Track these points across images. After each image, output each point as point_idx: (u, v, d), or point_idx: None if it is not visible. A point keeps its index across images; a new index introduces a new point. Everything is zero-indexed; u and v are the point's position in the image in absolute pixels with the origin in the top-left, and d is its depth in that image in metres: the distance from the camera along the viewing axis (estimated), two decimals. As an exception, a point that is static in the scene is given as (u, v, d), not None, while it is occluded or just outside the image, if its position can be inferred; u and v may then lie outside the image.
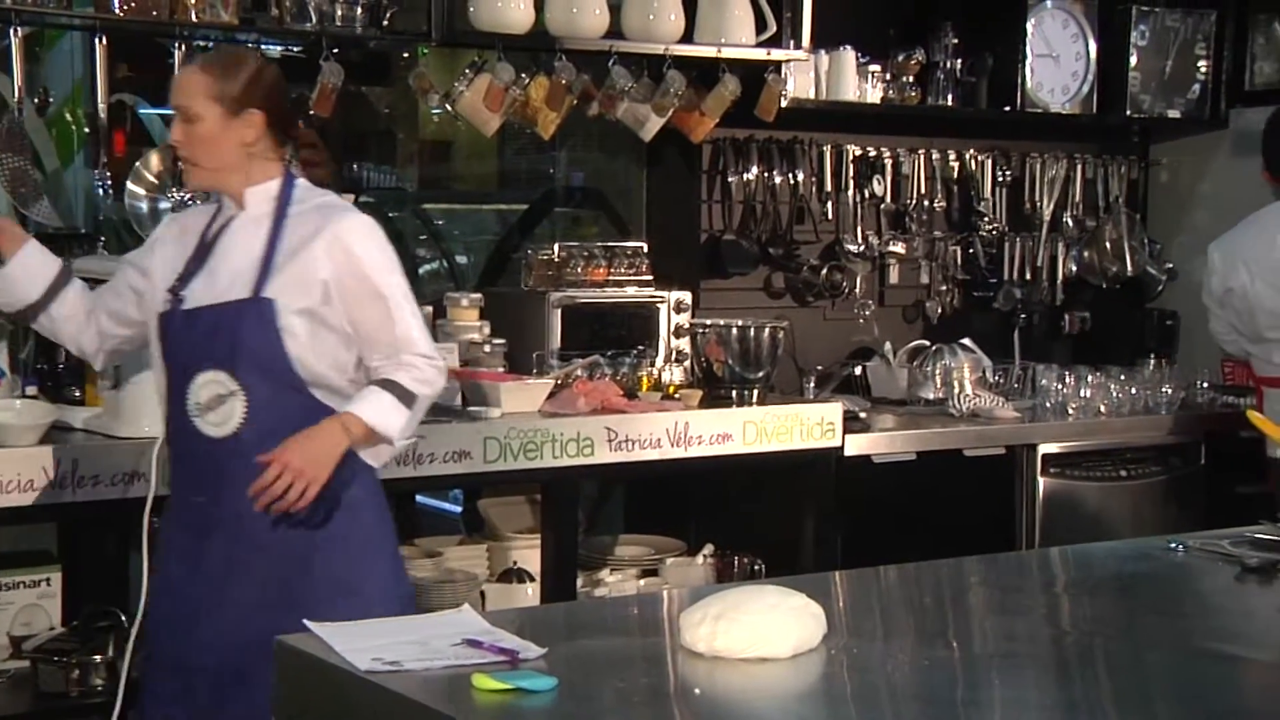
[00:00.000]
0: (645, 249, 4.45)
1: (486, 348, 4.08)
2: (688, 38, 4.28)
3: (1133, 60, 5.08)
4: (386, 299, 2.74)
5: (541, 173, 5.31)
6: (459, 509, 4.68)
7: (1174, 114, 5.19)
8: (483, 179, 5.38)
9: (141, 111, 4.18)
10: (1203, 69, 5.19)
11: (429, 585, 3.72)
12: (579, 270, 4.30)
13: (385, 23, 3.91)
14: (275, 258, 2.71)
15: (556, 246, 4.35)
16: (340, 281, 2.71)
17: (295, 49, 3.99)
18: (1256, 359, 4.26)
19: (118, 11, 3.57)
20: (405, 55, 4.42)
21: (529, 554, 3.97)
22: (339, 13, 3.80)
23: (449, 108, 4.15)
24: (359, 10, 3.82)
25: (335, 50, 3.83)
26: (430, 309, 4.23)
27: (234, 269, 2.72)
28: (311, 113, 3.85)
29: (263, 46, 3.83)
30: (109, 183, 3.71)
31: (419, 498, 4.50)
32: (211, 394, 2.69)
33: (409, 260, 5.16)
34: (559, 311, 4.14)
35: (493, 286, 4.62)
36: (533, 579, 3.94)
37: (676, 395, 4.06)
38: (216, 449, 2.70)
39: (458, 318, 4.19)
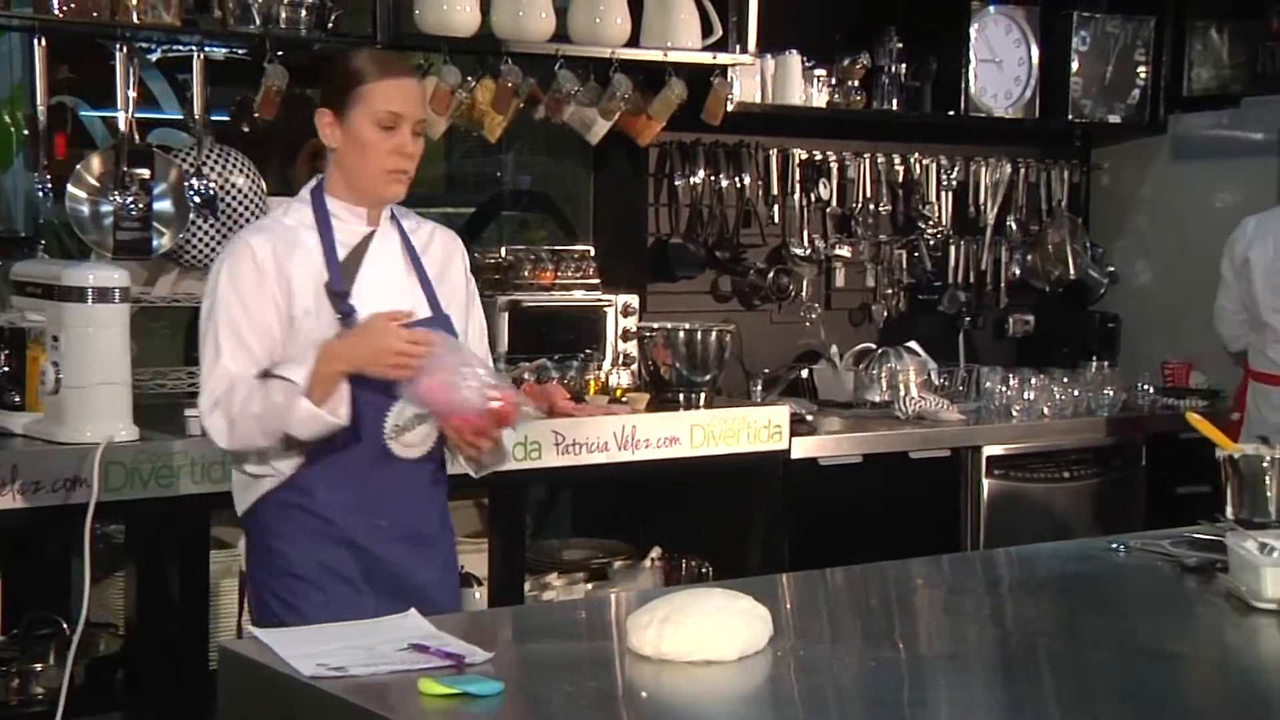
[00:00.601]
0: (592, 252, 4.45)
1: (433, 351, 4.06)
2: (634, 41, 4.28)
3: (1074, 66, 5.13)
4: (483, 320, 2.81)
5: (488, 176, 5.29)
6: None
7: (1114, 119, 5.24)
8: (429, 182, 5.34)
9: (82, 114, 4.13)
10: (1142, 75, 5.25)
11: (376, 590, 3.68)
12: (526, 273, 4.30)
13: (330, 25, 3.88)
14: (429, 274, 2.68)
15: (504, 250, 4.35)
16: (471, 297, 2.76)
17: (240, 51, 3.96)
18: (1253, 349, 4.24)
19: (57, 12, 3.52)
20: (351, 58, 4.39)
21: (476, 558, 3.94)
22: (283, 15, 3.77)
23: (394, 110, 4.13)
24: (303, 13, 3.79)
25: (280, 53, 3.80)
26: (376, 313, 4.21)
27: (399, 287, 2.64)
28: (256, 115, 3.82)
29: (206, 48, 3.79)
30: (49, 185, 3.66)
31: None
32: (410, 415, 2.60)
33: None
34: (506, 315, 4.13)
35: (440, 290, 4.59)
36: (480, 583, 3.92)
37: (624, 398, 4.05)
38: (408, 471, 2.63)
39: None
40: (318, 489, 2.58)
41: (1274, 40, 5.30)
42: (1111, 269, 5.45)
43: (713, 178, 4.75)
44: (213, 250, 3.86)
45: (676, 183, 4.71)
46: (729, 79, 4.45)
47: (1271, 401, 4.16)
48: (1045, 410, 4.70)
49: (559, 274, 4.35)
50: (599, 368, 4.15)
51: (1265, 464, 2.60)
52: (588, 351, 4.18)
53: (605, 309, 4.29)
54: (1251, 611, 2.27)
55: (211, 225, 3.85)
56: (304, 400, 2.48)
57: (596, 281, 4.36)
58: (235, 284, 2.56)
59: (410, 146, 2.60)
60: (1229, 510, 2.63)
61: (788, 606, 2.34)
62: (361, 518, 2.60)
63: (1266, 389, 4.18)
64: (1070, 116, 5.16)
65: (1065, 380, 4.83)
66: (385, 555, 2.60)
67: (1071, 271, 5.32)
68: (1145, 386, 4.98)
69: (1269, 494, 2.58)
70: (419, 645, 1.98)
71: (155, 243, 3.75)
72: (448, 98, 4.06)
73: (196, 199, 3.81)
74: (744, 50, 4.44)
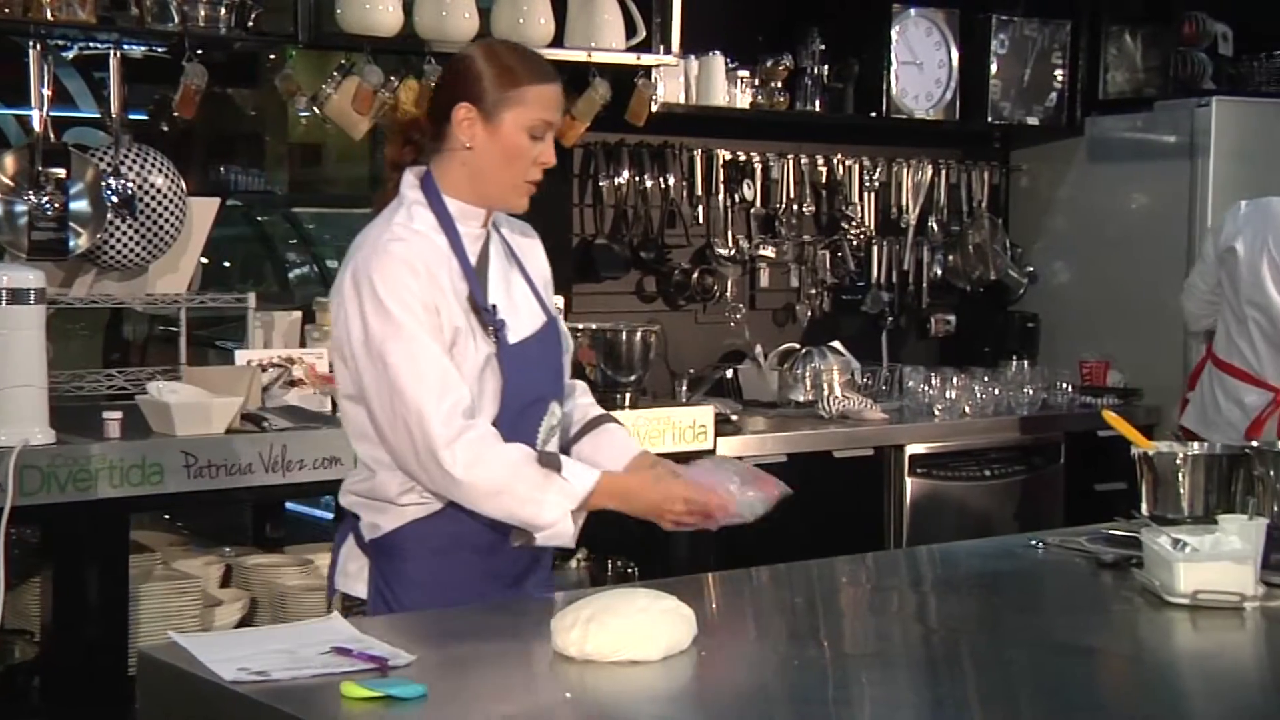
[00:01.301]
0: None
1: (357, 353, 4.02)
2: (558, 42, 4.27)
3: (993, 68, 5.19)
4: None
5: (413, 176, 5.25)
6: (330, 515, 4.61)
7: (1033, 121, 5.30)
8: (354, 182, 5.32)
9: (-4, 111, 4.06)
10: (1059, 78, 5.31)
11: (299, 593, 3.66)
12: (451, 274, 4.26)
13: (250, 24, 3.84)
14: (532, 276, 2.51)
15: (428, 250, 4.30)
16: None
17: (158, 49, 3.90)
18: (1223, 336, 4.20)
19: (-31, 9, 3.46)
20: (273, 57, 4.35)
21: (401, 560, 3.91)
22: (202, 13, 3.72)
23: (317, 110, 4.10)
24: (223, 10, 3.75)
25: (199, 51, 3.75)
26: (300, 314, 4.18)
27: (521, 295, 2.45)
28: (175, 115, 3.77)
29: (123, 46, 3.73)
30: (-38, 185, 3.59)
31: (289, 505, 4.42)
32: (548, 426, 2.44)
33: (279, 264, 5.08)
34: (431, 316, 4.09)
35: (363, 291, 4.55)
36: (405, 585, 3.89)
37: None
38: None
39: (328, 322, 4.11)
40: (466, 518, 2.36)
41: (1186, 45, 5.40)
42: (1030, 269, 5.51)
43: (637, 178, 4.75)
44: (131, 251, 3.80)
45: (601, 183, 4.71)
46: (653, 80, 4.45)
47: (1230, 392, 4.15)
48: (966, 409, 4.75)
49: (484, 274, 4.32)
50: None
51: (1178, 461, 2.64)
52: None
53: (530, 309, 4.26)
54: (1165, 606, 2.31)
55: (130, 225, 3.79)
56: (569, 517, 2.29)
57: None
58: (406, 298, 2.28)
59: (552, 158, 2.42)
60: (1144, 507, 2.67)
61: (712, 606, 2.35)
62: (500, 545, 2.39)
63: (1227, 378, 4.17)
64: (989, 118, 5.21)
65: (986, 379, 4.88)
66: (514, 576, 2.45)
67: (992, 272, 5.38)
68: (1064, 385, 5.04)
69: (1182, 490, 2.62)
70: (341, 648, 1.97)
71: (72, 243, 3.69)
72: (370, 98, 4.03)
73: (114, 199, 3.75)
74: (668, 51, 4.44)
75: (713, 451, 4.14)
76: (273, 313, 4.12)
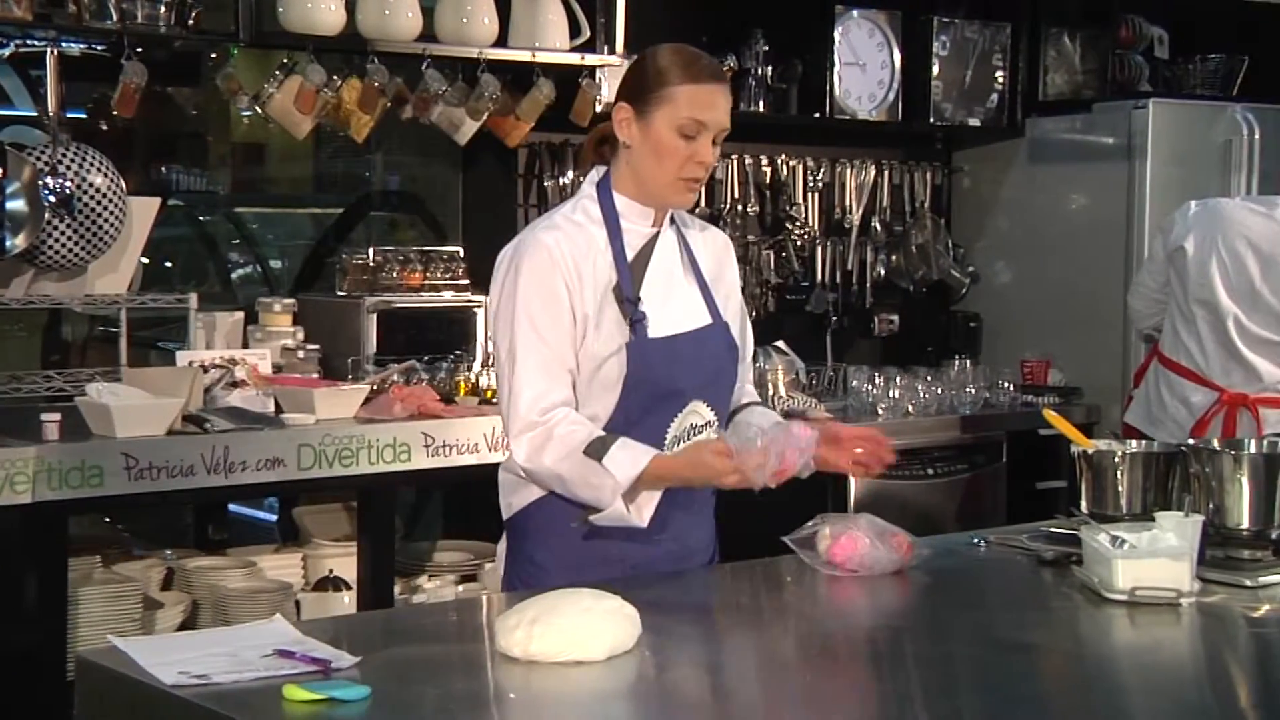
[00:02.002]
0: (462, 253, 4.42)
1: (300, 353, 4.03)
2: (502, 42, 4.26)
3: (935, 70, 5.22)
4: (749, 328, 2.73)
5: (357, 176, 5.24)
6: (274, 517, 4.58)
7: (974, 122, 5.34)
8: (297, 182, 5.28)
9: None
10: (1000, 79, 5.35)
11: (241, 596, 3.63)
12: (395, 275, 4.26)
13: (191, 22, 3.81)
14: (706, 278, 2.59)
15: (372, 251, 4.30)
16: (741, 307, 2.68)
17: (97, 47, 3.86)
18: (1170, 335, 4.22)
19: (-97, 5, 3.40)
20: (214, 56, 4.31)
21: (345, 562, 3.90)
22: (141, 11, 3.68)
23: (259, 110, 4.08)
24: (163, 9, 3.71)
25: (139, 49, 3.71)
26: (243, 314, 4.15)
27: (682, 293, 2.55)
28: (114, 113, 3.73)
29: (61, 44, 3.69)
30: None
31: (232, 506, 4.39)
32: (688, 424, 2.52)
33: (221, 264, 5.04)
34: (374, 316, 4.10)
35: (307, 291, 4.55)
36: (349, 587, 3.88)
37: (494, 399, 4.03)
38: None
39: (271, 323, 4.12)
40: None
41: (1123, 48, 5.46)
42: (972, 269, 5.55)
43: (582, 178, 4.73)
44: (70, 251, 3.76)
45: (546, 183, 4.70)
46: (597, 80, 4.45)
47: (1176, 390, 4.16)
48: (909, 408, 4.78)
49: (428, 275, 4.32)
50: (469, 369, 4.13)
51: (1117, 459, 2.66)
52: (458, 353, 4.16)
53: (475, 310, 4.27)
54: (1104, 603, 2.33)
55: (68, 225, 3.75)
56: (621, 503, 2.38)
57: (466, 282, 4.33)
58: (536, 285, 2.43)
59: (710, 156, 2.49)
60: (1084, 504, 2.69)
61: (657, 606, 2.35)
62: (635, 533, 2.46)
63: (1173, 377, 4.18)
64: (931, 119, 5.24)
65: (929, 379, 4.91)
66: (649, 568, 2.51)
67: (934, 272, 5.42)
68: (1005, 384, 5.07)
69: (1120, 488, 2.65)
70: (284, 651, 1.95)
71: (8, 243, 3.64)
72: (313, 97, 4.01)
73: (52, 198, 3.70)
74: (612, 51, 4.44)
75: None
76: (214, 313, 4.10)
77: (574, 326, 2.45)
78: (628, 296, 2.47)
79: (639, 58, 2.56)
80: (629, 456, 2.39)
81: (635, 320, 2.46)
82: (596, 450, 2.40)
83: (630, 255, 2.51)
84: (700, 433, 2.55)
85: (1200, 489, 2.60)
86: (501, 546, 2.63)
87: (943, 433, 4.81)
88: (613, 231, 2.50)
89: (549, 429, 2.41)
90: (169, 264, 4.92)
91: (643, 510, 2.41)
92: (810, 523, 2.54)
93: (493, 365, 2.53)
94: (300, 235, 5.23)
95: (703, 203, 5.00)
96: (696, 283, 2.59)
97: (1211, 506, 2.58)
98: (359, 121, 4.14)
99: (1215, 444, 2.74)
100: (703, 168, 2.49)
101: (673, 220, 2.61)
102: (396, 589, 3.89)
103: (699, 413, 2.54)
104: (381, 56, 4.10)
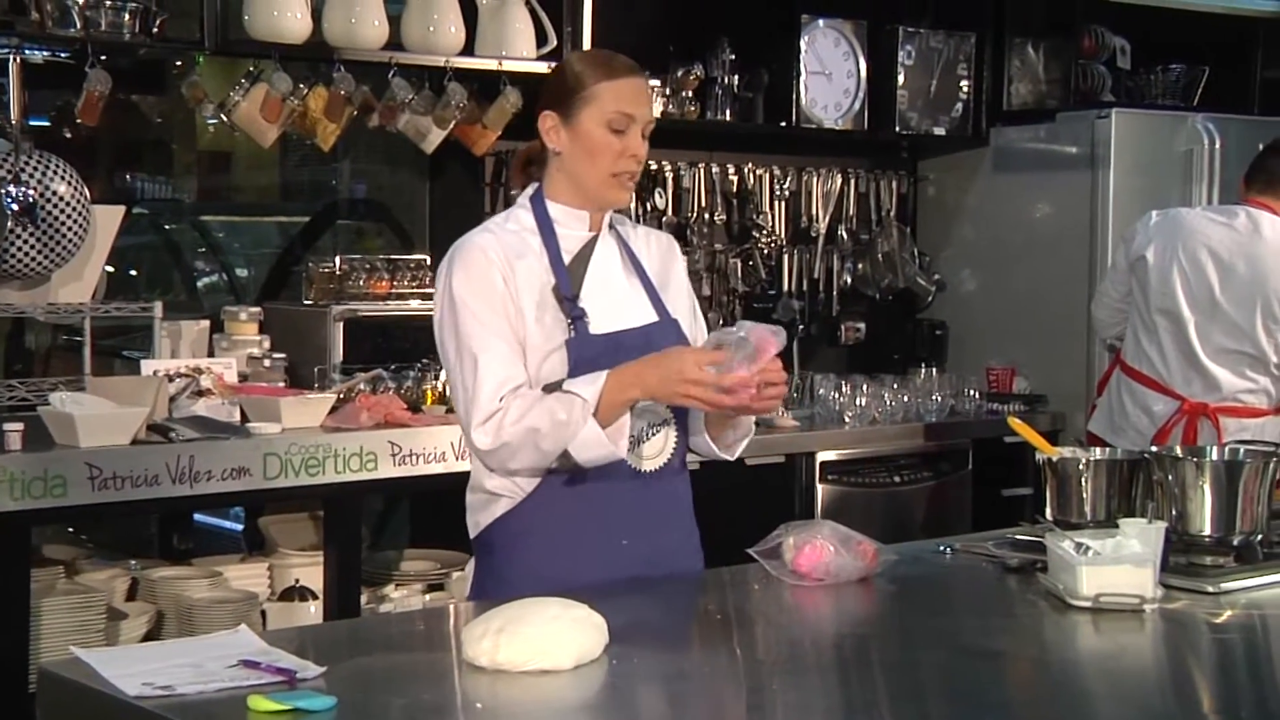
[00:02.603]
0: (428, 262, 4.41)
1: (266, 362, 4.01)
2: (468, 50, 4.26)
3: (900, 79, 5.24)
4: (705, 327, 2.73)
5: (323, 185, 5.22)
6: (240, 527, 4.55)
7: (940, 131, 5.36)
8: (263, 191, 5.25)
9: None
10: (965, 89, 5.38)
11: (206, 606, 3.61)
12: (361, 283, 4.25)
13: (155, 30, 3.79)
14: (651, 279, 2.61)
15: (338, 259, 4.30)
16: (694, 302, 2.69)
17: (61, 54, 3.83)
18: (1132, 344, 4.24)
19: None
20: (179, 63, 4.29)
21: (312, 571, 3.88)
22: (105, 19, 3.66)
23: (224, 118, 4.06)
24: (126, 16, 3.69)
25: (104, 57, 3.69)
26: (208, 322, 4.13)
27: (625, 291, 2.57)
28: (78, 121, 3.71)
29: (24, 51, 3.66)
30: None
31: (197, 516, 4.36)
32: (644, 422, 2.52)
33: (186, 273, 5.01)
34: (340, 325, 4.09)
35: (273, 300, 4.52)
36: (315, 597, 3.86)
37: (461, 408, 4.02)
38: (645, 484, 2.54)
39: (237, 331, 4.10)
40: (554, 511, 2.49)
41: (1086, 57, 5.50)
42: (938, 277, 5.57)
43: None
44: (33, 259, 3.73)
45: (512, 192, 4.67)
46: (565, 89, 4.45)
47: (1138, 399, 4.19)
48: (876, 416, 4.80)
49: (395, 283, 4.31)
50: (436, 377, 4.11)
51: (1081, 466, 2.67)
52: (424, 361, 4.14)
53: (442, 318, 4.25)
54: (1069, 610, 2.34)
55: (31, 234, 3.72)
56: (594, 421, 2.38)
57: (432, 291, 4.28)
58: (474, 285, 2.46)
59: (641, 149, 2.53)
60: (1048, 511, 2.70)
61: (624, 614, 2.34)
62: (602, 539, 2.50)
63: (1135, 386, 4.21)
64: (897, 128, 5.26)
65: (895, 386, 4.93)
66: (623, 577, 2.50)
67: (900, 280, 5.44)
68: (971, 392, 5.10)
69: (1084, 495, 2.66)
70: (249, 661, 1.94)
71: (-29, 252, 3.61)
72: (279, 106, 4.00)
73: (14, 206, 3.67)
74: (579, 60, 4.44)
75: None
76: (180, 322, 4.08)
77: (517, 319, 2.47)
78: (565, 294, 2.50)
79: (557, 66, 2.63)
80: (588, 378, 2.43)
81: (575, 317, 2.49)
82: (553, 387, 2.43)
83: (568, 259, 2.54)
84: (658, 430, 2.55)
85: (1163, 496, 2.62)
86: (470, 567, 2.62)
87: (909, 440, 4.83)
88: (547, 236, 2.54)
89: (504, 408, 2.43)
90: (134, 272, 4.88)
91: (618, 439, 2.41)
92: (774, 533, 2.54)
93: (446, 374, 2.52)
94: (266, 244, 5.21)
95: (669, 212, 5.01)
96: (641, 283, 2.61)
97: (1174, 513, 2.60)
98: (325, 130, 4.12)
99: (1178, 451, 2.76)
100: (635, 161, 2.53)
101: (612, 226, 2.63)
102: (363, 598, 3.87)
103: (653, 410, 2.54)
104: (348, 65, 4.09)
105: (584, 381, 2.42)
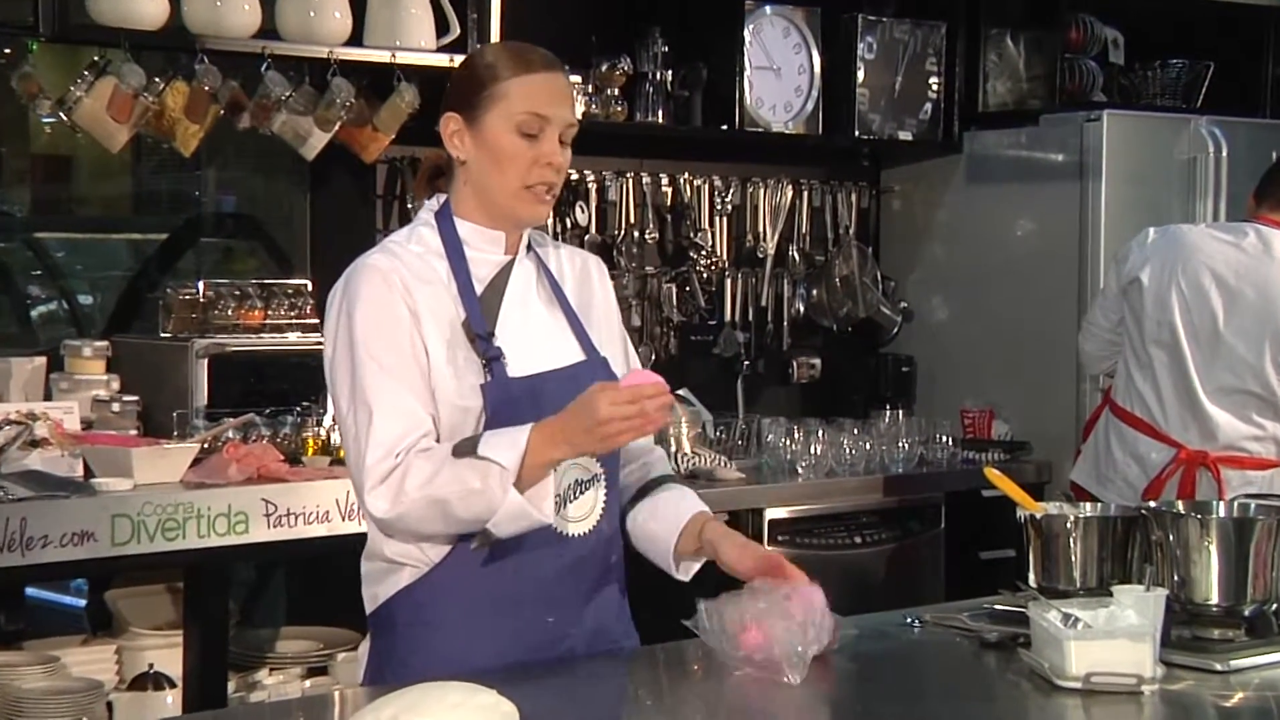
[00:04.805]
0: (310, 287, 4.40)
1: (115, 406, 3.99)
2: (356, 40, 4.26)
3: (860, 76, 5.29)
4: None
5: (184, 196, 5.20)
6: (82, 603, 4.51)
7: (905, 136, 5.42)
8: (111, 203, 5.23)
9: None
10: (934, 87, 5.44)
11: (40, 698, 3.55)
12: (230, 312, 4.25)
13: (-17, 12, 3.77)
14: (575, 309, 2.60)
15: (202, 284, 4.28)
16: (622, 331, 2.70)
17: None
18: (1123, 381, 4.28)
19: None
20: (8, 51, 4.26)
21: (169, 655, 3.86)
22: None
23: (64, 117, 4.03)
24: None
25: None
26: (45, 359, 4.09)
27: (546, 327, 2.55)
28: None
29: None
30: None
31: (30, 590, 4.31)
32: (571, 480, 2.51)
33: (19, 300, 4.97)
34: (205, 362, 4.07)
35: (124, 333, 4.50)
36: (173, 684, 3.84)
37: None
38: (570, 551, 2.52)
39: (80, 370, 4.08)
40: (468, 582, 2.46)
41: (1072, 52, 5.58)
42: (905, 305, 5.62)
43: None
44: None
45: (409, 205, 4.70)
46: (469, 85, 4.46)
47: (1128, 444, 4.21)
48: (834, 466, 4.83)
49: (270, 312, 4.31)
50: (319, 423, 4.10)
51: (1069, 525, 2.70)
52: (305, 404, 4.13)
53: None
54: (1055, 691, 2.36)
55: None
56: (515, 492, 2.36)
57: (315, 321, 4.30)
58: (372, 318, 2.43)
59: (558, 157, 2.51)
60: (1031, 578, 2.73)
61: (539, 700, 2.34)
62: (523, 614, 2.49)
63: (1125, 429, 4.23)
64: (857, 133, 5.31)
65: (855, 432, 4.96)
66: (545, 656, 2.49)
67: (861, 308, 5.48)
68: (944, 438, 5.14)
69: (1073, 558, 2.69)
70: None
71: None
72: (130, 103, 3.98)
73: None
74: (486, 52, 4.46)
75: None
76: (10, 359, 4.05)
77: (424, 357, 2.45)
78: (479, 332, 2.48)
79: (464, 60, 2.62)
80: (506, 438, 2.40)
81: (491, 358, 2.47)
82: (466, 448, 2.40)
83: (480, 287, 2.53)
84: (587, 489, 2.55)
85: (1163, 559, 2.65)
86: (364, 648, 2.60)
87: (872, 494, 4.86)
88: (455, 261, 2.52)
89: (404, 467, 2.41)
90: (-44, 300, 4.84)
91: (542, 503, 2.41)
92: (714, 601, 2.55)
93: (336, 423, 2.51)
94: (115, 265, 5.17)
95: (593, 229, 5.03)
96: (564, 314, 2.62)
97: (1176, 579, 2.63)
98: (186, 132, 4.11)
99: (1180, 507, 2.79)
100: (552, 170, 2.51)
101: (530, 248, 2.63)
102: (230, 686, 3.84)
103: (582, 465, 2.54)
104: (212, 55, 4.08)
105: (503, 444, 2.39)
